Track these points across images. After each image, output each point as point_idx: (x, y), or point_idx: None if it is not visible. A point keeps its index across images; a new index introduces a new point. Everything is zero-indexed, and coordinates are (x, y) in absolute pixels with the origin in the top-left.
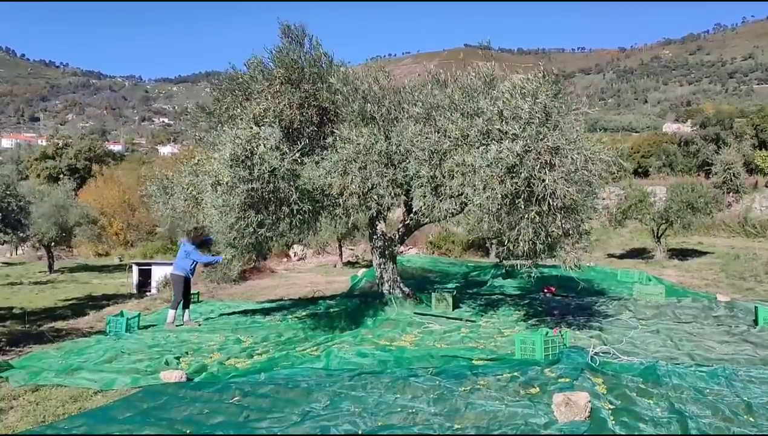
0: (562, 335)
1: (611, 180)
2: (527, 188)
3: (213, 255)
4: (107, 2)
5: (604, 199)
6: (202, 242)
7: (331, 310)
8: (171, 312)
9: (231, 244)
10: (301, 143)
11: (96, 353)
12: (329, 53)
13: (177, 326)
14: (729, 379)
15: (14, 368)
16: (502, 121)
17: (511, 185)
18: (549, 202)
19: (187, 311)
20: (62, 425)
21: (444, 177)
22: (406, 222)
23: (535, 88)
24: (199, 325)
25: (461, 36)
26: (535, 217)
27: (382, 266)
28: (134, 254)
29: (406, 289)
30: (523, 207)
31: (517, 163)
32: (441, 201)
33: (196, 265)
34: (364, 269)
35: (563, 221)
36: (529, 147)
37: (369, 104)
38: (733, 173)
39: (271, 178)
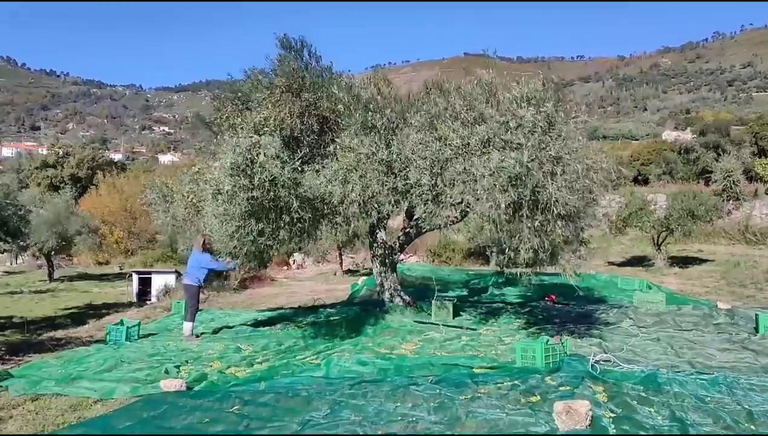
0: (562, 343)
1: (612, 188)
2: (532, 197)
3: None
4: (107, 9)
5: (604, 207)
6: (208, 251)
7: (332, 318)
8: (187, 325)
9: (231, 253)
10: (301, 152)
11: (96, 362)
12: (329, 64)
13: (197, 336)
14: (730, 387)
15: (14, 377)
16: (507, 132)
17: (515, 194)
18: (552, 210)
19: (191, 324)
20: (62, 435)
21: (445, 185)
22: (407, 230)
23: (540, 97)
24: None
25: (461, 44)
26: (538, 225)
27: (382, 274)
28: (134, 262)
29: (406, 297)
30: (526, 216)
31: (524, 173)
32: (442, 209)
33: (208, 274)
34: (364, 277)
35: (563, 229)
36: (533, 156)
37: (371, 113)
38: (733, 181)
39: (272, 186)
